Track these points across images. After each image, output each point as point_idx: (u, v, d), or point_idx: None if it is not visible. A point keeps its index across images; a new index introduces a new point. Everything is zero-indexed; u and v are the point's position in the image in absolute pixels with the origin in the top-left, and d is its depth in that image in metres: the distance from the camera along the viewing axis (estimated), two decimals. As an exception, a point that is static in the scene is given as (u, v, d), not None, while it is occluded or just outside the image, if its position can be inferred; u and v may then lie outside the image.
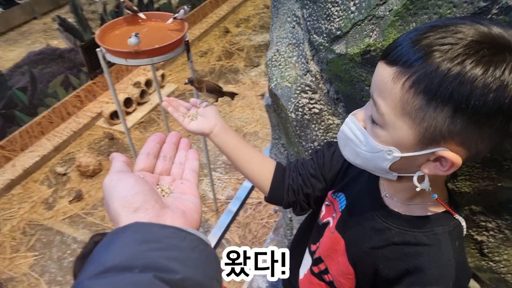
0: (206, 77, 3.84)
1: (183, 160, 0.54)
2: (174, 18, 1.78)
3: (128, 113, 3.30)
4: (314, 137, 0.93)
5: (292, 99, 0.90)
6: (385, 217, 0.69)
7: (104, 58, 1.69)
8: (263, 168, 0.88)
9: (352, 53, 0.75)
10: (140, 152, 0.51)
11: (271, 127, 1.28)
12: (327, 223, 0.83)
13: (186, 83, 0.96)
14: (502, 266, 0.83)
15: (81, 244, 2.35)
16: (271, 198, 0.89)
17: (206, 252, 0.38)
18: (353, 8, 0.72)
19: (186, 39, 1.70)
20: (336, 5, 0.75)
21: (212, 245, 1.30)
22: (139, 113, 3.33)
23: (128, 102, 3.29)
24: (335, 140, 0.93)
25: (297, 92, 0.89)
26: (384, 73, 0.56)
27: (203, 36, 4.49)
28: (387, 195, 0.69)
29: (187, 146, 0.56)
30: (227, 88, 3.65)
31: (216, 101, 0.96)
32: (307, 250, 0.92)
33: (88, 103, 3.36)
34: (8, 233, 2.44)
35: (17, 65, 2.79)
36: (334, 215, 0.81)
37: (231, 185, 2.70)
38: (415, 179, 0.60)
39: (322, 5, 0.78)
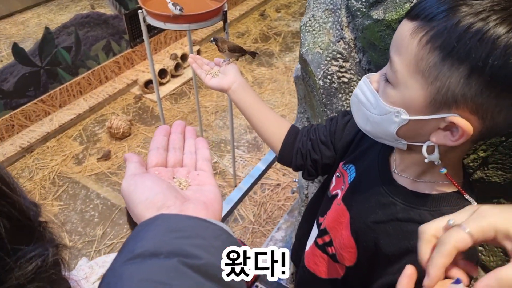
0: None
1: (193, 149, 0.54)
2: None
3: (161, 84, 3.37)
4: (339, 107, 0.93)
5: (322, 65, 0.91)
6: (392, 192, 0.66)
7: (144, 21, 1.73)
8: (277, 129, 0.89)
9: (389, 19, 0.74)
10: (150, 147, 0.52)
11: (297, 100, 1.29)
12: (336, 195, 0.82)
13: (211, 41, 1.00)
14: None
15: (103, 201, 2.45)
16: (280, 158, 0.90)
17: (228, 241, 0.39)
18: (395, -28, 0.71)
19: (224, 10, 1.72)
20: (379, -31, 0.74)
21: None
22: (172, 85, 3.40)
23: (162, 73, 3.36)
24: None
25: (328, 59, 0.90)
26: (404, 28, 0.53)
27: (242, 18, 4.50)
28: (396, 171, 0.67)
29: (194, 135, 0.56)
30: (259, 70, 3.65)
31: (237, 59, 0.99)
32: (315, 222, 0.92)
33: (126, 70, 3.46)
34: (38, 181, 2.57)
35: (65, 25, 2.90)
36: (343, 187, 0.80)
37: (252, 164, 2.72)
38: (424, 148, 0.56)
39: (364, -30, 0.78)
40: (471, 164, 0.80)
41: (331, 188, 0.86)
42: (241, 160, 2.75)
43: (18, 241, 0.34)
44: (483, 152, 0.77)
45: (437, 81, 0.50)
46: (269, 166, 1.63)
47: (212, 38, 0.99)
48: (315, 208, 0.95)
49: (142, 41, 3.48)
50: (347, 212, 0.75)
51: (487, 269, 0.95)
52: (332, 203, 0.83)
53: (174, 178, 0.49)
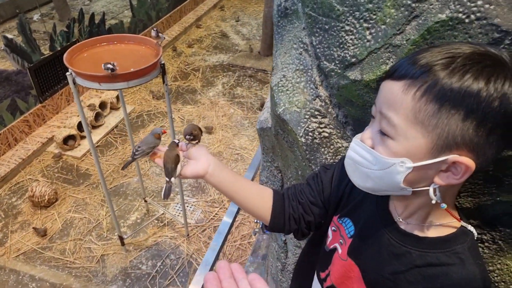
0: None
1: None
2: (159, 44, 1.72)
3: (82, 137, 3.12)
4: (323, 160, 0.95)
5: (301, 123, 0.92)
6: (403, 241, 0.69)
7: (74, 83, 1.60)
8: (262, 201, 0.87)
9: (368, 79, 0.78)
10: None
11: (261, 150, 1.29)
12: (335, 249, 0.83)
13: (188, 139, 0.89)
14: (495, 275, 0.89)
15: (40, 283, 2.15)
16: (272, 227, 0.88)
17: None
18: (369, 37, 0.76)
19: (162, 62, 1.67)
20: (351, 34, 0.78)
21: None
22: (94, 137, 3.17)
23: (81, 126, 3.12)
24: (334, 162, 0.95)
25: (307, 116, 0.91)
26: (393, 87, 0.59)
27: (156, 56, 4.42)
28: (400, 219, 0.70)
29: (243, 273, 0.53)
30: (186, 108, 3.59)
31: (199, 141, 0.91)
32: (315, 278, 0.91)
33: (37, 128, 3.13)
34: (-49, 278, 2.17)
35: (-43, 89, 2.54)
36: (341, 241, 0.81)
37: (199, 208, 2.64)
38: (431, 190, 0.61)
39: (334, 34, 0.81)
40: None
41: (328, 242, 0.86)
42: (188, 207, 2.64)
43: None
44: (462, 186, 0.85)
45: (437, 128, 0.56)
46: (235, 218, 1.59)
47: (187, 136, 0.88)
48: (309, 260, 0.95)
49: (52, 94, 3.20)
50: (355, 267, 0.76)
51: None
52: (332, 257, 0.83)
53: None
